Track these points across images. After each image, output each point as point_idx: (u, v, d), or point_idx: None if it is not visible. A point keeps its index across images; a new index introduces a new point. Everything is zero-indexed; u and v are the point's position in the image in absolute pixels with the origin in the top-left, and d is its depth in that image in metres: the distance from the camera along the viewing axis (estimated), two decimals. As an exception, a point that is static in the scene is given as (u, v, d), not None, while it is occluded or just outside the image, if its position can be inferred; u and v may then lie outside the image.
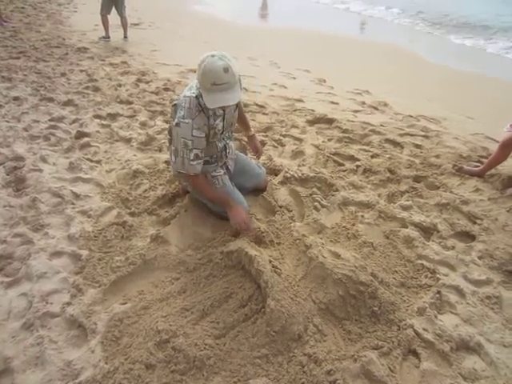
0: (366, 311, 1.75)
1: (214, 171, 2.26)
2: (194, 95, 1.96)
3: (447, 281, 1.96)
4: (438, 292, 1.89)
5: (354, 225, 2.31)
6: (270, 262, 1.87)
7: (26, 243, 2.14)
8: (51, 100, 4.20)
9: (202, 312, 1.73)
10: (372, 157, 3.18)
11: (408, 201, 2.59)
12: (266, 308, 1.64)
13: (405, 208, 2.52)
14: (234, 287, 1.83)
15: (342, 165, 3.06)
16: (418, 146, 3.42)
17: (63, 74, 5.04)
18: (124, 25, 6.90)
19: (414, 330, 1.68)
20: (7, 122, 3.68)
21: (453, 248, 2.20)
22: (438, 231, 2.31)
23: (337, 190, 2.62)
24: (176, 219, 2.31)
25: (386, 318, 1.74)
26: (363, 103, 4.58)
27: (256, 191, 2.58)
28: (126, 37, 7.01)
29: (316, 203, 2.46)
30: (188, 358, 1.49)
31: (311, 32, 8.39)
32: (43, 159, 3.00)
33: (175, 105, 2.04)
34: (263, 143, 3.35)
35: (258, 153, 2.59)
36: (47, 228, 2.26)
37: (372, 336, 1.68)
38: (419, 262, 2.08)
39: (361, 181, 2.82)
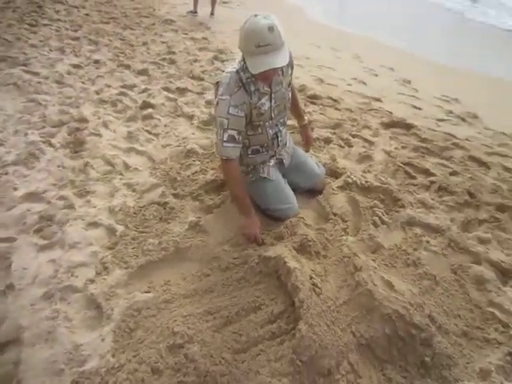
0: (415, 360, 1.46)
1: (263, 162, 2.07)
2: (234, 70, 1.78)
3: (524, 342, 1.57)
4: (510, 353, 1.52)
5: (416, 250, 1.98)
6: (311, 277, 1.63)
7: (67, 207, 2.14)
8: (128, 67, 4.26)
9: (226, 319, 1.56)
10: (451, 174, 2.75)
11: (487, 233, 2.17)
12: (297, 332, 1.42)
13: (482, 241, 2.11)
14: (265, 298, 1.63)
15: (414, 178, 2.68)
16: (507, 170, 2.89)
17: (145, 44, 5.10)
18: (213, 1, 6.85)
19: (473, 398, 1.36)
20: (83, 83, 3.80)
21: (537, 302, 1.79)
22: (521, 277, 1.89)
23: (403, 206, 2.28)
24: (220, 209, 2.16)
25: (439, 373, 1.44)
26: (450, 112, 4.03)
27: (310, 192, 2.33)
28: (212, 14, 6.95)
29: (376, 217, 2.15)
30: (199, 371, 1.34)
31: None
32: (105, 125, 3.02)
33: (217, 83, 1.85)
34: (329, 140, 3.07)
35: (308, 143, 2.39)
36: (91, 195, 2.25)
37: (417, 392, 1.39)
38: (490, 310, 1.70)
39: (433, 200, 2.44)
